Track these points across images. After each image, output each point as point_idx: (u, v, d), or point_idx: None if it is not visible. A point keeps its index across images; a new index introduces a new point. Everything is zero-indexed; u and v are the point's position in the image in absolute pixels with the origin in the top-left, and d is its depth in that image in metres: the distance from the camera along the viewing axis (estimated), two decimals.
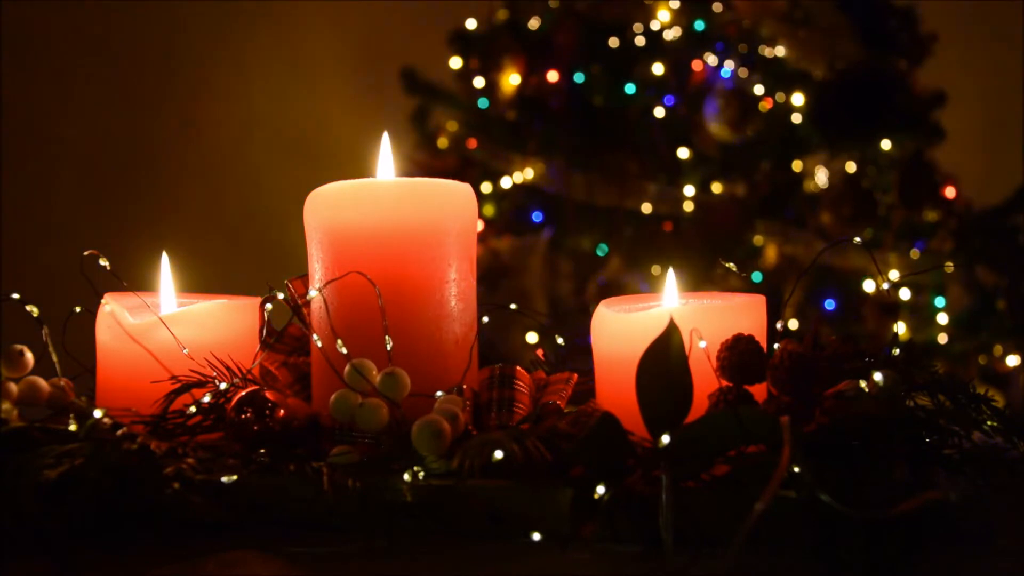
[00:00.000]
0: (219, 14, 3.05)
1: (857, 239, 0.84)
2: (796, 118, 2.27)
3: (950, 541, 0.64)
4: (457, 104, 2.50)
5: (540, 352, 0.96)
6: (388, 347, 0.75)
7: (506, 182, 2.40)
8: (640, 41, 2.35)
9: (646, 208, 2.32)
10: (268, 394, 0.74)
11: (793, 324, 2.19)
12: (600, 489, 0.64)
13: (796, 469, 0.61)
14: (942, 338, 2.28)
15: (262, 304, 0.83)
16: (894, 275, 2.17)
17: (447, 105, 2.53)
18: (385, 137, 0.86)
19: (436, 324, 0.79)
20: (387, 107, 2.54)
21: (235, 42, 3.10)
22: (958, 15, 2.74)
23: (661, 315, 0.73)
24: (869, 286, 2.22)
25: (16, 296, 0.82)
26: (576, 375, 0.84)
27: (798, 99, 2.26)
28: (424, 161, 2.47)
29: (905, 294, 2.26)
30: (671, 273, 0.80)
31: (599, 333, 0.78)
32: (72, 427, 0.77)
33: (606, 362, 0.77)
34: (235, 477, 0.70)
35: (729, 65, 2.30)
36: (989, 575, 0.63)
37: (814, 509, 0.60)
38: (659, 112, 2.32)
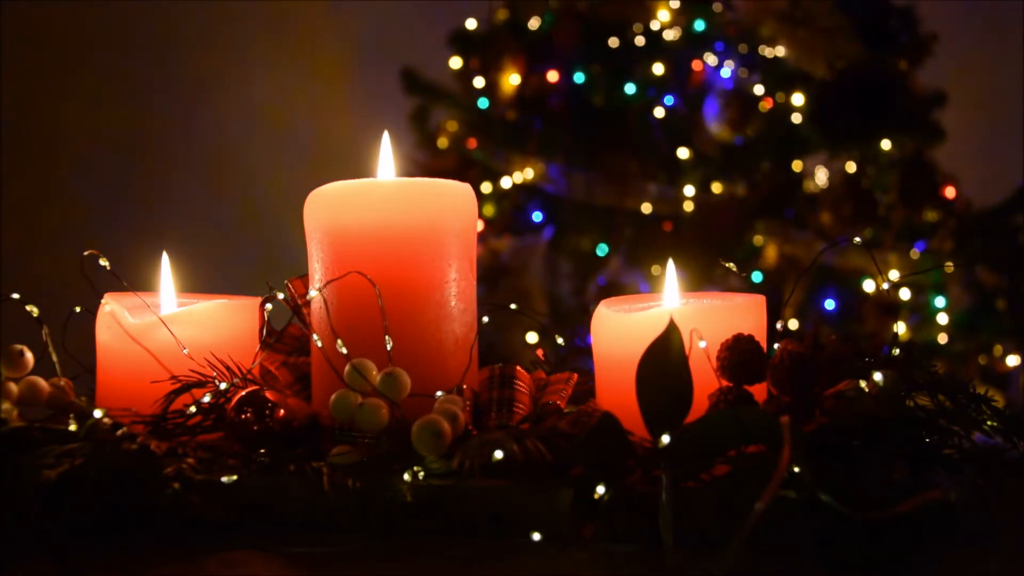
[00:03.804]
0: (219, 13, 3.05)
1: (857, 239, 0.84)
2: (796, 118, 2.27)
3: (950, 541, 0.64)
4: (457, 104, 2.50)
5: (540, 352, 0.96)
6: (388, 347, 0.75)
7: (506, 182, 2.40)
8: (640, 41, 2.35)
9: (646, 208, 2.32)
10: (268, 394, 0.74)
11: (793, 324, 2.19)
12: (600, 489, 0.64)
13: (796, 469, 0.61)
14: (942, 338, 2.28)
15: (262, 304, 0.83)
16: (894, 275, 2.17)
17: (447, 105, 2.52)
18: (385, 137, 0.86)
19: (436, 324, 0.79)
20: (387, 107, 2.53)
21: (235, 41, 3.09)
22: (958, 15, 2.74)
23: (661, 315, 0.73)
24: (869, 286, 2.21)
25: (16, 296, 0.82)
26: (576, 375, 0.84)
27: (798, 99, 2.26)
28: (424, 161, 2.47)
29: (905, 294, 2.26)
30: (671, 265, 0.80)
31: (599, 333, 0.78)
32: (72, 427, 0.77)
33: (606, 362, 0.77)
34: (235, 477, 0.70)
35: (729, 65, 2.30)
36: (989, 575, 0.63)
37: (814, 509, 0.60)
38: (659, 112, 2.31)
